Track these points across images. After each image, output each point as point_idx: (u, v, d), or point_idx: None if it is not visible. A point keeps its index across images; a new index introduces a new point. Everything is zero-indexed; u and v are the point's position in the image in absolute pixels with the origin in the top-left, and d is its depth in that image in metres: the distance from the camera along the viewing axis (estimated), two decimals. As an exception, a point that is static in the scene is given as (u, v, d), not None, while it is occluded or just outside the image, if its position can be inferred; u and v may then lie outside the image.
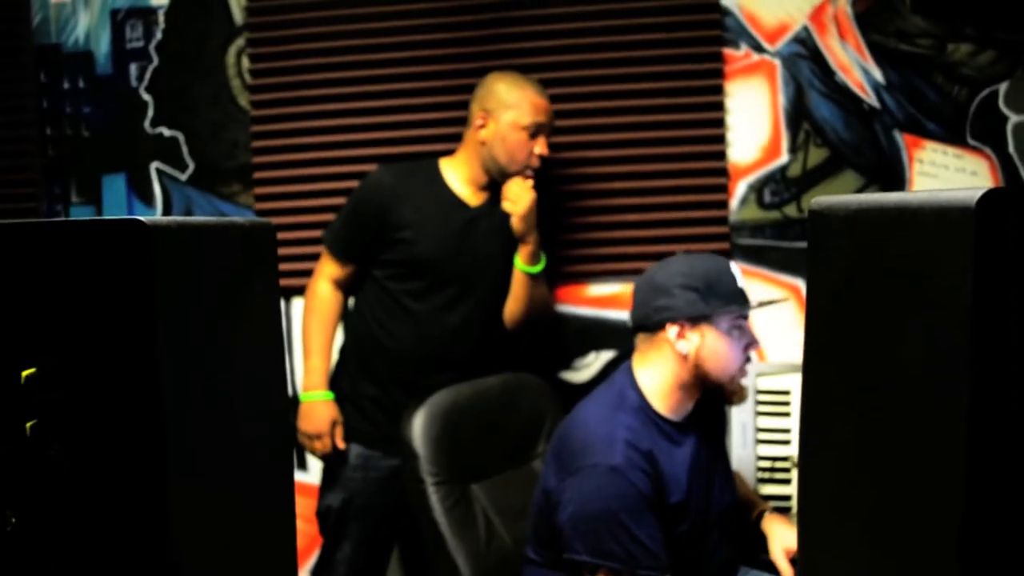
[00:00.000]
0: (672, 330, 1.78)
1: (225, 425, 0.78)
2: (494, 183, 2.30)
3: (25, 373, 0.68)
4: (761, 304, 1.87)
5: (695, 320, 1.77)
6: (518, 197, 2.22)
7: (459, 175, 2.33)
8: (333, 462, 2.33)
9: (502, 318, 2.38)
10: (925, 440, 0.62)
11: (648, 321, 1.80)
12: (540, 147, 2.25)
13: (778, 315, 2.50)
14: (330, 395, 2.32)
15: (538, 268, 2.30)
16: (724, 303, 1.77)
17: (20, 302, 0.70)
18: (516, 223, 2.23)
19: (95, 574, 0.71)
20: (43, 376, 0.68)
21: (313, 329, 2.31)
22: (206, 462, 0.74)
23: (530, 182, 2.25)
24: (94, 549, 0.70)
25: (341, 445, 2.31)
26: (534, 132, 2.24)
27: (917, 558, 0.64)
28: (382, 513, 2.30)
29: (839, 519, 0.75)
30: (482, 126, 2.26)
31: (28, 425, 0.68)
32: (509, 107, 2.23)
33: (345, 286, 2.34)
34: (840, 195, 0.76)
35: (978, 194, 0.57)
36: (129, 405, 0.68)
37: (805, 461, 0.78)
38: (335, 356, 2.43)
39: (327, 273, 2.33)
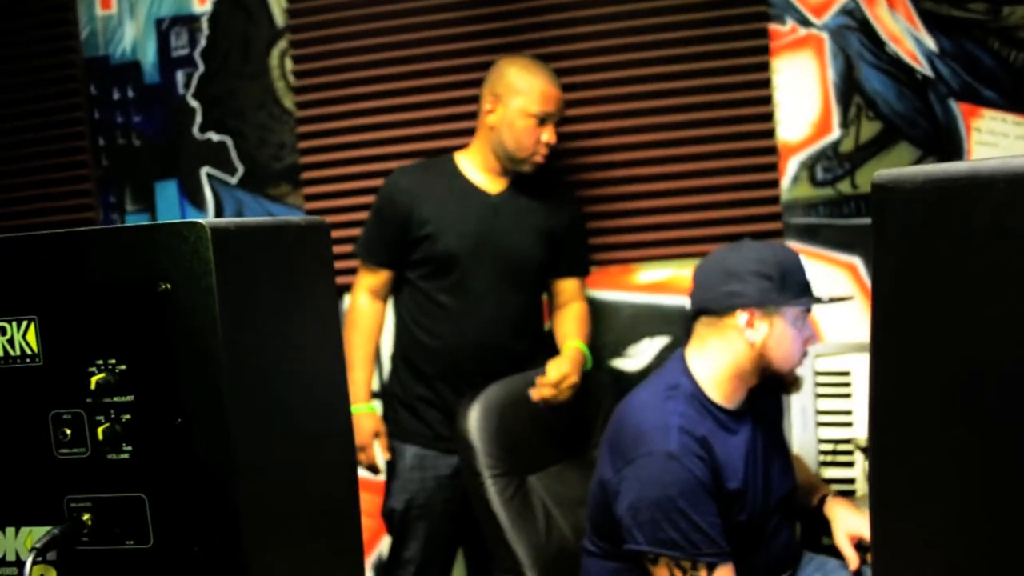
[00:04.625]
0: (742, 316, 1.75)
1: (287, 420, 0.78)
2: (514, 171, 2.29)
3: (95, 379, 0.69)
4: (832, 300, 1.84)
5: (766, 309, 1.74)
6: (560, 390, 2.18)
7: (475, 164, 2.32)
8: (391, 466, 2.36)
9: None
10: (1011, 420, 0.60)
11: (716, 305, 1.78)
12: (548, 135, 2.23)
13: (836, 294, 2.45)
14: (372, 408, 2.34)
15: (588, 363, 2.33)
16: (796, 295, 1.75)
17: (87, 309, 0.71)
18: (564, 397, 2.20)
19: (166, 570, 0.72)
20: (112, 381, 0.70)
21: (354, 342, 2.33)
22: (270, 457, 0.75)
23: (572, 377, 2.20)
24: (165, 546, 0.71)
25: (386, 455, 2.34)
26: (542, 119, 2.22)
27: (1005, 548, 0.62)
28: (444, 511, 2.31)
29: (916, 507, 0.72)
30: (491, 111, 2.25)
31: (100, 429, 0.70)
32: (518, 93, 2.21)
33: (384, 294, 2.36)
34: (903, 167, 0.73)
35: (1056, 159, 0.54)
36: (194, 404, 0.69)
37: (877, 447, 0.76)
38: (388, 364, 2.45)
39: (364, 284, 2.36)
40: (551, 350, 2.36)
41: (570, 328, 2.36)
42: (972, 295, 0.63)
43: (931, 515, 0.70)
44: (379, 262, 2.32)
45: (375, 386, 2.69)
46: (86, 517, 0.72)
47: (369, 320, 2.35)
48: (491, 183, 2.31)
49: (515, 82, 2.22)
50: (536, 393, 2.17)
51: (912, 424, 0.71)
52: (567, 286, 2.41)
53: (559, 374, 2.17)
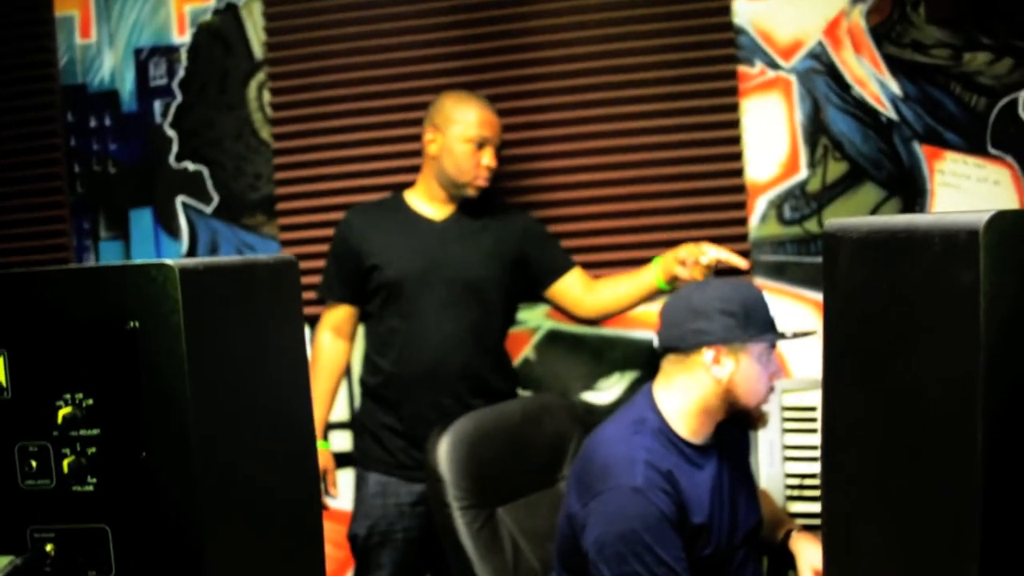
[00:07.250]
0: (708, 354, 1.78)
1: (252, 456, 0.80)
2: (459, 197, 2.35)
3: (62, 412, 0.70)
4: (796, 335, 1.88)
5: (731, 346, 1.77)
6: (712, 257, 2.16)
7: (421, 196, 2.39)
8: (357, 491, 2.39)
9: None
10: (942, 460, 0.62)
11: (682, 343, 1.80)
12: (488, 158, 2.30)
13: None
14: (325, 444, 2.42)
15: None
16: (760, 331, 1.78)
17: (56, 344, 0.72)
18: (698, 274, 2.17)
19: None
20: (79, 415, 0.71)
21: (314, 379, 2.35)
22: (234, 492, 0.76)
23: (713, 257, 2.15)
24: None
25: (334, 493, 2.40)
26: (480, 143, 2.29)
27: (947, 568, 0.64)
28: (405, 539, 2.33)
29: (862, 537, 0.75)
30: (432, 140, 2.33)
31: (65, 462, 0.71)
32: (456, 121, 2.29)
33: (347, 332, 2.41)
34: (852, 217, 0.77)
35: (986, 217, 0.58)
36: (159, 438, 0.70)
37: (827, 479, 0.79)
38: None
39: (327, 322, 2.41)
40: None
41: (619, 277, 2.36)
42: (909, 338, 0.66)
43: (874, 537, 0.72)
44: (338, 298, 2.39)
45: (347, 416, 2.71)
46: (49, 548, 0.72)
47: (329, 357, 2.39)
48: (437, 211, 2.37)
49: (452, 112, 2.30)
50: (711, 258, 2.14)
51: (856, 454, 0.74)
52: (570, 281, 2.41)
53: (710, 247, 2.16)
